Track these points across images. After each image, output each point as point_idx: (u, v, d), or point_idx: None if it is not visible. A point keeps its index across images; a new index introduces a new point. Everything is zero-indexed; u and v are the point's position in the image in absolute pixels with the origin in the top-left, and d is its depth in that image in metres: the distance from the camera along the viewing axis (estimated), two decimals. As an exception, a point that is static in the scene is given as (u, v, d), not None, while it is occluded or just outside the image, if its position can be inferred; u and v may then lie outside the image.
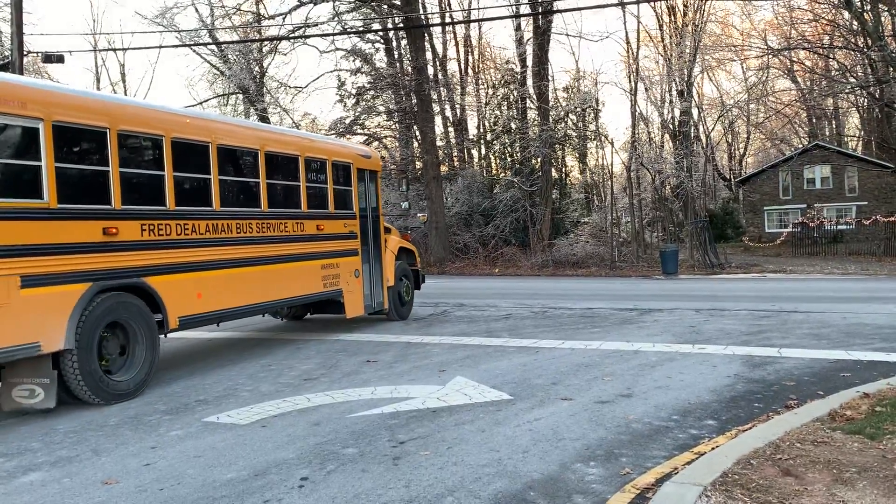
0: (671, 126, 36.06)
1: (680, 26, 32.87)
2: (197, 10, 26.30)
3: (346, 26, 24.48)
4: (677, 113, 35.06)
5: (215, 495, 4.39)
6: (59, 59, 17.15)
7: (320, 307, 11.31)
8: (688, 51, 31.38)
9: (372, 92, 32.91)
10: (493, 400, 6.59)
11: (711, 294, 16.26)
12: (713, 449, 4.86)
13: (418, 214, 23.12)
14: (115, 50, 37.70)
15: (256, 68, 29.30)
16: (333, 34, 24.60)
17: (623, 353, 8.78)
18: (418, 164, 28.82)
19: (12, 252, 6.14)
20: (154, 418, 6.34)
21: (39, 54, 17.53)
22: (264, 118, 29.45)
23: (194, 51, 27.81)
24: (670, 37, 33.57)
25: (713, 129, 46.06)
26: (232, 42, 25.28)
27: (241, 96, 30.22)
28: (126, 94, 45.76)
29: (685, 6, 33.91)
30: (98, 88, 45.88)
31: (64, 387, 6.66)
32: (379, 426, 5.80)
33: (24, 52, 17.59)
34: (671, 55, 32.05)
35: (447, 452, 5.07)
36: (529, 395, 6.76)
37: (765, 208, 41.64)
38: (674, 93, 35.02)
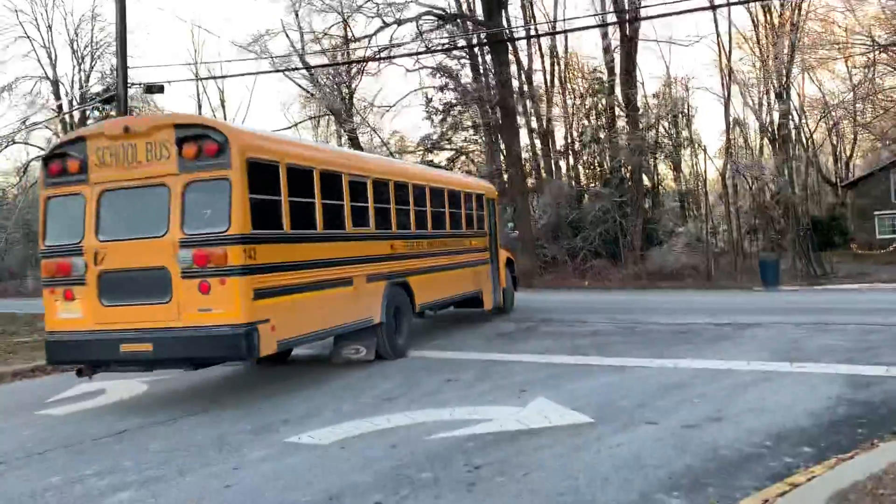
0: (770, 130, 34.52)
1: (776, 25, 31.48)
2: (287, 35, 27.19)
3: (429, 45, 24.77)
4: (776, 116, 33.52)
5: (289, 519, 4.43)
6: (160, 89, 18.07)
7: (465, 302, 14.14)
8: (785, 51, 29.99)
9: (459, 107, 33.15)
10: (575, 423, 6.40)
11: (815, 306, 15.37)
12: (808, 480, 4.52)
13: (513, 232, 23.33)
14: (213, 78, 39.58)
15: (345, 90, 30.04)
16: (418, 53, 24.93)
17: (715, 373, 8.38)
18: (505, 177, 28.72)
19: (362, 260, 9.72)
20: (239, 438, 6.49)
21: (142, 85, 18.53)
22: (354, 138, 30.15)
23: (286, 75, 28.83)
24: (766, 37, 32.14)
25: (815, 130, 43.79)
26: (321, 66, 26.08)
27: (331, 117, 31.04)
28: (226, 119, 47.91)
29: (782, 5, 32.46)
30: (200, 114, 48.18)
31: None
32: (455, 449, 5.72)
33: (129, 84, 18.64)
34: (767, 56, 30.71)
35: (524, 479, 4.94)
36: (613, 418, 6.52)
37: (875, 213, 39.16)
38: (772, 95, 33.52)
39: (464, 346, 11.61)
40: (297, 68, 27.23)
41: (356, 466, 5.41)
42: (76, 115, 45.06)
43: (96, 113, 43.33)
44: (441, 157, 36.16)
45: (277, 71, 25.68)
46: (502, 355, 10.35)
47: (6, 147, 47.08)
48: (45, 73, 45.84)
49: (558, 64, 35.74)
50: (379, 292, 10.05)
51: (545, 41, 34.13)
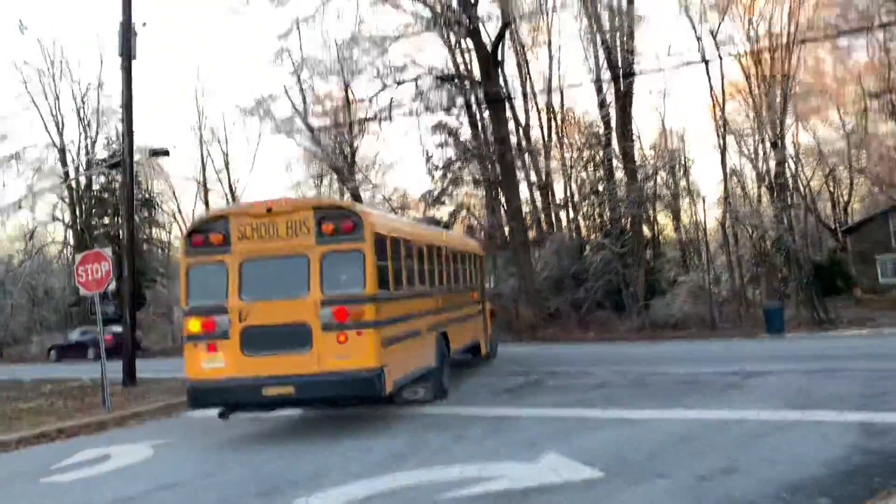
0: (766, 178, 34.84)
1: (768, 76, 32.13)
2: (290, 98, 27.78)
3: (428, 104, 25.31)
4: (772, 164, 33.89)
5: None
6: (165, 153, 18.43)
7: (466, 351, 14.85)
8: (778, 101, 30.54)
9: (459, 163, 33.60)
10: (586, 478, 6.34)
11: (822, 353, 15.29)
12: (826, 532, 4.47)
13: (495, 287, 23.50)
14: (218, 141, 40.26)
15: (347, 149, 30.53)
16: (417, 112, 25.45)
17: (726, 423, 8.31)
18: (506, 230, 28.91)
19: (426, 313, 11.22)
20: (246, 501, 6.42)
21: (147, 150, 18.90)
22: (356, 196, 30.45)
23: (289, 136, 29.36)
24: (758, 87, 32.80)
25: (812, 178, 44.17)
26: (323, 127, 26.58)
27: (334, 175, 31.46)
28: (230, 179, 48.51)
29: (772, 58, 33.19)
30: (204, 176, 48.78)
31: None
32: (466, 508, 5.66)
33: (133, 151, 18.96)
34: (761, 106, 31.26)
35: (536, 537, 4.88)
36: (624, 471, 6.47)
37: (877, 257, 39.17)
38: (767, 144, 33.98)
39: (472, 400, 11.53)
40: (299, 129, 27.77)
41: (367, 528, 5.35)
42: (82, 180, 45.66)
43: (102, 178, 43.97)
44: (443, 211, 36.49)
45: (280, 132, 26.18)
46: (510, 410, 10.28)
47: (13, 213, 47.55)
48: (53, 141, 46.56)
49: (555, 119, 36.36)
50: (433, 341, 11.48)
51: (542, 97, 34.81)
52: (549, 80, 33.89)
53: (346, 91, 29.04)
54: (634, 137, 29.91)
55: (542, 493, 5.95)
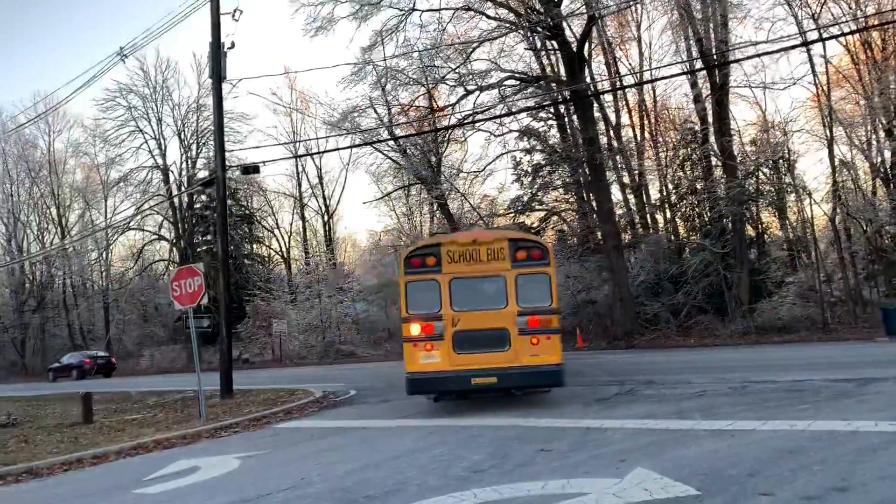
0: (882, 169, 32.45)
1: (878, 60, 29.94)
2: (375, 110, 28.07)
3: (511, 108, 24.93)
4: (887, 155, 31.54)
5: None
6: (256, 170, 18.91)
7: None
8: (892, 86, 28.38)
9: (548, 168, 33.03)
10: (678, 496, 5.83)
11: (951, 357, 13.91)
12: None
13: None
14: (306, 155, 41.27)
15: (433, 158, 30.56)
16: (501, 116, 25.13)
17: (837, 435, 7.55)
18: (598, 235, 28.12)
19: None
20: (321, 517, 6.27)
21: (239, 167, 19.41)
22: (443, 205, 30.44)
23: (375, 148, 29.65)
24: (868, 72, 30.62)
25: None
26: (408, 136, 26.65)
27: (421, 186, 31.57)
28: (324, 193, 49.73)
29: (883, 39, 30.94)
30: (300, 191, 50.21)
31: None
32: (545, 528, 5.29)
33: (227, 167, 19.56)
34: (871, 92, 29.14)
35: (619, 563, 4.46)
36: (721, 489, 5.91)
37: None
38: (880, 133, 31.67)
39: (561, 411, 11.09)
40: (384, 140, 27.98)
41: (438, 548, 5.07)
42: (184, 199, 47.90)
43: (203, 197, 45.92)
44: (533, 217, 35.98)
45: (366, 144, 26.44)
46: (601, 421, 9.78)
47: (123, 233, 50.45)
48: (156, 163, 49.17)
49: (647, 117, 35.23)
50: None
51: (632, 95, 33.82)
52: (640, 76, 32.90)
53: (430, 100, 29.08)
54: (733, 132, 28.50)
55: (628, 513, 5.50)
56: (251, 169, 18.99)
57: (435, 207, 33.53)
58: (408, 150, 29.41)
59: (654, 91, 34.95)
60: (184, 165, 48.77)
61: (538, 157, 33.09)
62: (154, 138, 49.14)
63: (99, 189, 52.06)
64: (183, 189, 46.23)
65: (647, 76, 32.16)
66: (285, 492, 7.42)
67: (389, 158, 31.13)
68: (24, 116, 48.87)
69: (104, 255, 52.63)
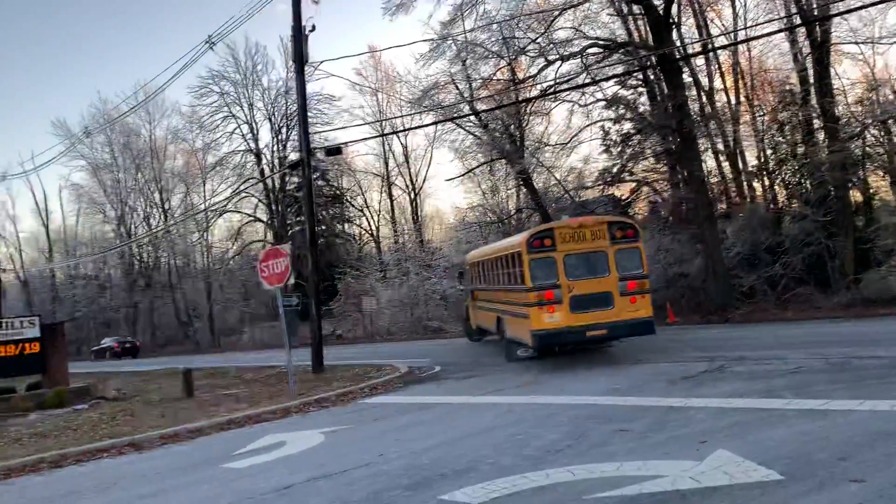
0: None
1: None
2: (457, 86, 27.86)
3: (594, 77, 24.15)
4: None
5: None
6: (338, 151, 19.25)
7: None
8: None
9: (638, 137, 31.98)
10: (759, 481, 5.57)
11: None
12: None
13: None
14: (386, 134, 41.61)
15: (516, 131, 30.18)
16: (584, 85, 24.41)
17: (944, 417, 7.02)
18: (689, 205, 27.10)
19: None
20: (393, 495, 6.35)
21: (323, 149, 19.76)
22: (526, 180, 30.03)
23: (457, 124, 29.49)
24: None
25: None
26: (488, 109, 26.33)
27: (503, 161, 31.26)
28: (410, 172, 50.12)
29: None
30: (387, 170, 50.82)
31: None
32: (615, 512, 5.17)
33: (312, 150, 19.95)
34: None
35: (689, 550, 4.30)
36: (807, 474, 5.60)
37: None
38: None
39: (643, 389, 10.81)
40: (464, 115, 27.77)
41: (505, 529, 5.03)
42: (277, 180, 49.35)
43: (295, 179, 47.12)
44: (623, 189, 35.02)
45: (446, 120, 26.35)
46: (684, 400, 9.44)
47: (220, 216, 52.56)
48: (249, 147, 50.81)
49: (743, 79, 33.52)
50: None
51: (725, 58, 32.24)
52: (735, 36, 31.24)
53: (513, 72, 28.62)
54: (836, 92, 26.72)
55: (704, 497, 5.29)
56: (334, 150, 19.34)
57: (518, 183, 33.12)
58: (489, 125, 29.13)
59: (749, 52, 33.22)
60: (275, 148, 50.23)
61: (627, 126, 32.10)
62: (246, 122, 50.81)
63: (198, 173, 54.34)
64: (271, 172, 47.64)
65: (741, 36, 30.52)
66: (362, 468, 7.56)
67: (472, 134, 30.91)
68: (125, 105, 51.47)
69: (204, 237, 55.02)
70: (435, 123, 30.58)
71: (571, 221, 15.39)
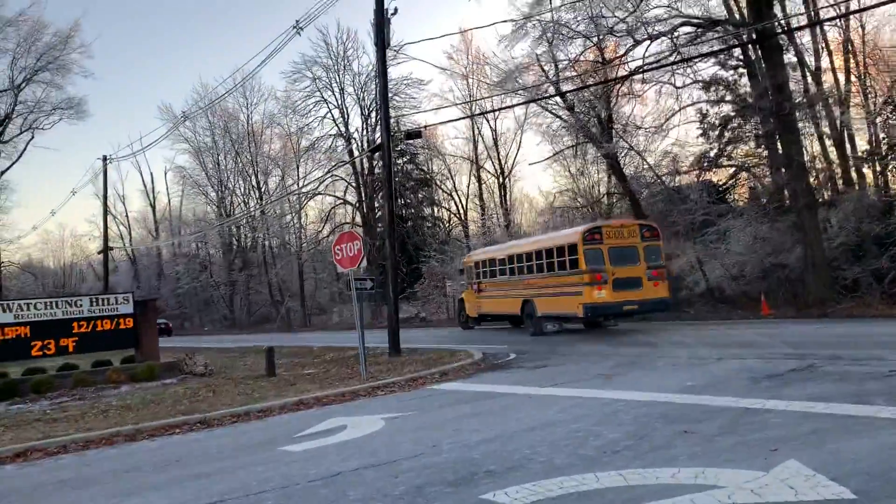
0: None
1: None
2: (542, 67, 27.23)
3: (687, 56, 23.00)
4: None
5: None
6: (418, 134, 19.25)
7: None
8: None
9: (738, 120, 30.42)
10: (828, 498, 5.04)
11: None
12: None
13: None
14: (475, 115, 41.27)
15: (603, 112, 29.28)
16: (678, 61, 23.29)
17: None
18: (789, 192, 25.58)
19: None
20: (435, 491, 6.16)
21: (403, 132, 19.77)
22: (614, 165, 29.14)
23: (542, 106, 28.88)
24: None
25: None
26: (574, 90, 25.60)
27: (589, 144, 30.42)
28: (499, 155, 49.72)
29: None
30: (476, 154, 50.63)
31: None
32: (660, 525, 4.79)
33: (392, 134, 19.96)
34: None
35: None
36: (886, 494, 5.03)
37: None
38: None
39: (720, 387, 10.19)
40: (549, 96, 27.12)
41: (540, 536, 4.75)
42: (365, 164, 50.03)
43: (381, 163, 47.60)
44: (720, 174, 33.51)
45: (530, 101, 25.80)
46: (763, 401, 8.80)
47: (311, 198, 53.79)
48: (340, 131, 51.66)
49: (854, 57, 31.22)
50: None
51: (833, 36, 30.15)
52: (847, 6, 29.11)
53: (601, 52, 27.72)
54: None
55: (763, 515, 4.83)
56: (414, 134, 19.43)
57: (606, 167, 32.17)
58: (575, 107, 28.36)
59: (862, 29, 30.89)
60: (364, 132, 50.89)
61: (726, 109, 30.58)
62: (337, 107, 51.68)
63: (292, 157, 55.85)
64: (357, 155, 48.25)
65: (853, 8, 28.39)
66: (412, 459, 7.42)
67: (557, 117, 30.20)
68: (222, 89, 53.30)
69: (297, 219, 56.54)
70: (516, 105, 30.10)
71: (614, 222, 21.01)
